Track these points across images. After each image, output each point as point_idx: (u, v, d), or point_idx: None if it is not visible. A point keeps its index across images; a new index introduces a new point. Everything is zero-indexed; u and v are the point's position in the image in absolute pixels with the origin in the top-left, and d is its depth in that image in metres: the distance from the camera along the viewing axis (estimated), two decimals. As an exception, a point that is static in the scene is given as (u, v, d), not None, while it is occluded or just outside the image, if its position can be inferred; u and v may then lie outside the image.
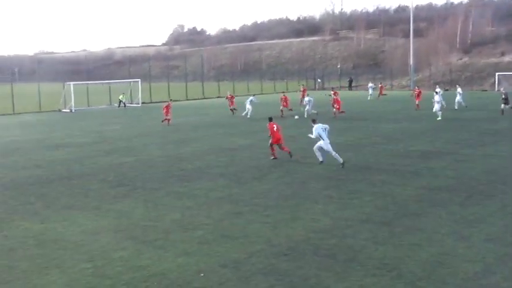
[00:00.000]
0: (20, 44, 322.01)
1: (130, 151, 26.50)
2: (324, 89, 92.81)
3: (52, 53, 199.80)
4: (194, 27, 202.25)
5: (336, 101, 41.26)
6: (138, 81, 63.99)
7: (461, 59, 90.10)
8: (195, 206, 15.67)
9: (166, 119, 38.50)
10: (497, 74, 77.12)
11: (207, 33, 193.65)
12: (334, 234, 12.72)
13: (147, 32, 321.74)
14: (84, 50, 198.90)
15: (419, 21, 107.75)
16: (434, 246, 11.77)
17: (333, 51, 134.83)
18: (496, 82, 76.45)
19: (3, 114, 51.55)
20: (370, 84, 65.85)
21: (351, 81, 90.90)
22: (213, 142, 28.93)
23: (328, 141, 20.97)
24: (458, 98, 45.86)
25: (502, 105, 40.23)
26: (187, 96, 69.56)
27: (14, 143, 30.77)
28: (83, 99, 57.26)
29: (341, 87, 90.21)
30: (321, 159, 21.40)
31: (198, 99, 69.66)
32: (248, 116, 41.92)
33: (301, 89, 56.25)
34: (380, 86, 65.81)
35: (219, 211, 15.01)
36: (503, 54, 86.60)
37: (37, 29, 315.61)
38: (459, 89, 47.07)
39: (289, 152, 22.88)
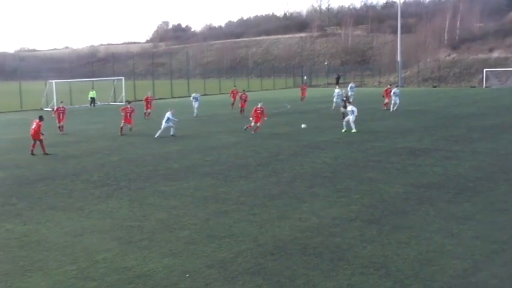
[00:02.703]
0: (1, 41, 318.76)
1: (114, 150, 26.23)
2: (311, 86, 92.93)
3: (34, 50, 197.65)
4: (179, 24, 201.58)
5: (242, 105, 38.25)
6: (121, 79, 63.44)
7: (449, 55, 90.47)
8: (181, 205, 15.50)
9: (60, 126, 32.95)
10: (485, 70, 77.60)
11: (192, 30, 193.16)
12: (321, 233, 12.61)
13: (130, 28, 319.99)
14: (67, 48, 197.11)
15: (407, 17, 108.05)
16: (422, 244, 11.70)
17: (321, 47, 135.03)
18: (484, 78, 76.99)
19: (-16, 114, 50.93)
20: (351, 84, 58.72)
21: (338, 78, 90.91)
22: (199, 141, 28.74)
23: None
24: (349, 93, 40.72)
25: (342, 109, 35.63)
26: (172, 94, 69.28)
27: (-5, 143, 30.34)
28: (66, 97, 56.55)
29: (328, 84, 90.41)
30: None
31: (184, 96, 69.31)
32: (195, 115, 41.36)
33: (233, 92, 49.42)
34: (303, 86, 61.48)
35: (205, 210, 14.86)
36: (491, 50, 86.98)
37: (19, 26, 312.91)
38: (351, 84, 47.42)
39: (43, 152, 25.27)
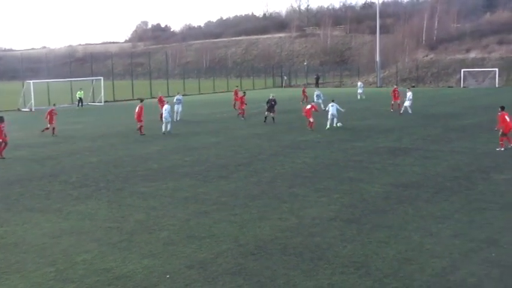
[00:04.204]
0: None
1: (93, 151, 26.01)
2: (290, 86, 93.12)
3: (11, 50, 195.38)
4: (158, 24, 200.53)
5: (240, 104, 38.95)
6: (100, 79, 62.94)
7: (427, 55, 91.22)
8: (160, 206, 15.42)
9: (46, 128, 32.39)
10: (462, 70, 78.38)
11: (171, 30, 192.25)
12: (301, 233, 12.64)
13: (109, 28, 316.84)
14: (44, 47, 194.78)
15: (385, 18, 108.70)
16: (401, 243, 11.78)
17: (300, 48, 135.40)
18: (462, 78, 77.73)
19: (-39, 115, 50.10)
20: (359, 83, 60.27)
21: (317, 78, 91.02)
22: (179, 141, 28.63)
23: None
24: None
25: (266, 113, 35.75)
26: (151, 95, 68.91)
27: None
28: (44, 98, 56.02)
29: (308, 84, 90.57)
30: None
31: (163, 96, 68.97)
32: (178, 118, 38.73)
33: (238, 93, 43.46)
34: (304, 88, 60.08)
35: (185, 211, 14.80)
36: (468, 50, 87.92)
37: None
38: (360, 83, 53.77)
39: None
